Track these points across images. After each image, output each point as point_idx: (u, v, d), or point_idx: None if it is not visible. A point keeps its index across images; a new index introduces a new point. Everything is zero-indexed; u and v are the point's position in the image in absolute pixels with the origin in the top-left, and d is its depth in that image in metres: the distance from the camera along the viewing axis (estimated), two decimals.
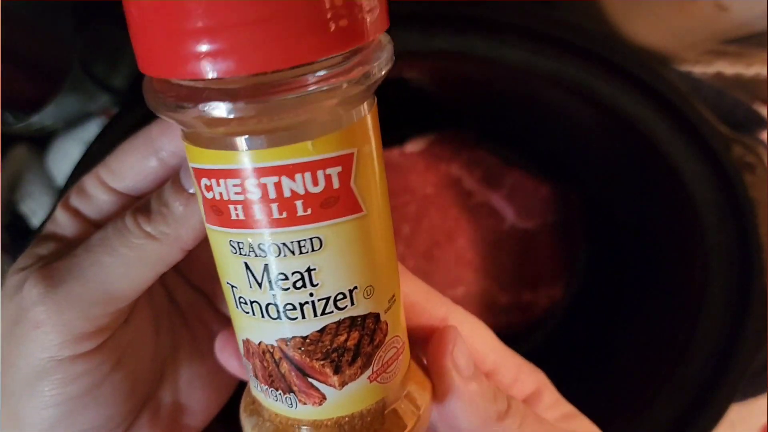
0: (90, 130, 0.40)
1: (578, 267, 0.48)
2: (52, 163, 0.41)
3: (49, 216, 0.25)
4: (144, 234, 0.22)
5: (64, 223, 0.24)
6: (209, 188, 0.19)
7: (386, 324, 0.21)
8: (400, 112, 0.47)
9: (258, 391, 0.22)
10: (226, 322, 0.29)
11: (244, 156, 0.18)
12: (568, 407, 0.28)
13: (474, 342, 0.26)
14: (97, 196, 0.24)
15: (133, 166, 0.23)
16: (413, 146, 0.45)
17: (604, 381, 0.42)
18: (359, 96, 0.18)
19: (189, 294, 0.29)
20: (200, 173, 0.19)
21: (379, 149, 0.19)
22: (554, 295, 0.47)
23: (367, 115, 0.19)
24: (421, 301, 0.25)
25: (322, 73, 0.17)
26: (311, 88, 0.16)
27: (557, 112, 0.42)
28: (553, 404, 0.28)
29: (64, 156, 0.40)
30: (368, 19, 0.17)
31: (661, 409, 0.37)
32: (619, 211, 0.46)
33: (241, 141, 0.18)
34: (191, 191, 0.22)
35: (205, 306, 0.29)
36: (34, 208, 0.40)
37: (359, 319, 0.20)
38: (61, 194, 0.34)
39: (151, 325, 0.26)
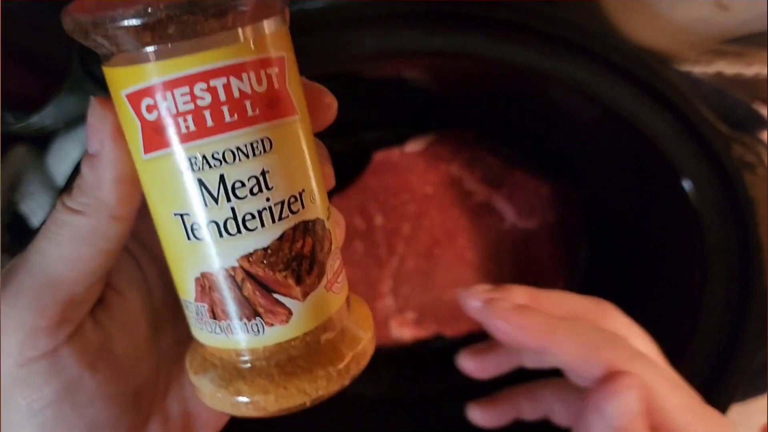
0: None
1: (578, 266, 0.48)
2: (52, 164, 0.41)
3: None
4: (67, 209, 0.21)
5: None
6: (152, 108, 0.19)
7: (330, 232, 0.22)
8: (400, 112, 0.47)
9: (215, 333, 0.21)
10: None
11: (191, 60, 0.18)
12: None
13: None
14: None
15: None
16: (413, 146, 0.45)
17: None
18: (272, 4, 0.20)
19: None
20: (139, 95, 0.19)
21: (296, 64, 0.21)
22: None
23: (285, 25, 0.20)
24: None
25: None
26: None
27: (557, 111, 0.42)
28: None
29: (65, 156, 0.40)
30: None
31: None
32: (619, 211, 0.46)
33: (186, 45, 0.18)
34: (91, 151, 0.21)
35: None
36: (34, 208, 0.40)
37: (310, 223, 0.21)
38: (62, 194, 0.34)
39: (147, 332, 0.25)
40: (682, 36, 0.36)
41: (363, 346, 0.23)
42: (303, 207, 0.21)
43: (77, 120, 0.40)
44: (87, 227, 0.21)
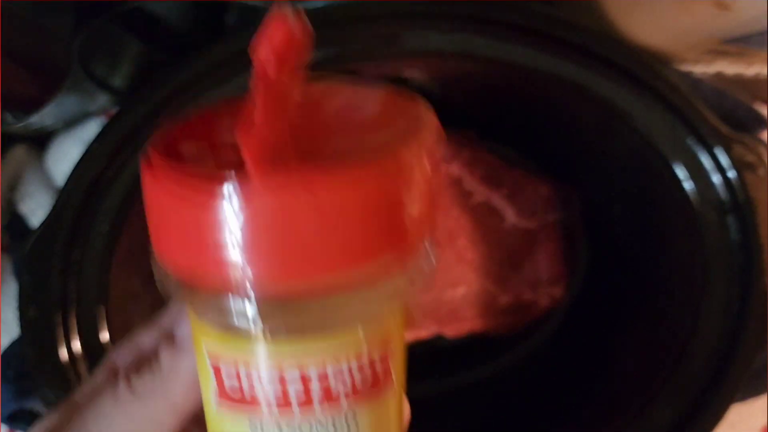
0: (89, 130, 0.40)
1: (579, 267, 0.48)
2: (52, 163, 0.41)
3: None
4: (129, 391, 0.20)
5: None
6: (231, 376, 0.18)
7: None
8: None
9: None
10: None
11: (289, 347, 0.17)
12: None
13: None
14: None
15: None
16: None
17: (604, 381, 0.42)
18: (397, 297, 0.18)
19: None
20: (219, 359, 0.18)
21: (403, 338, 0.20)
22: (555, 295, 0.47)
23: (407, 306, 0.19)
24: None
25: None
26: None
27: (557, 111, 0.42)
28: None
29: (64, 156, 0.40)
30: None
31: (661, 410, 0.37)
32: (620, 211, 0.46)
33: (286, 335, 0.17)
34: (179, 334, 0.20)
35: None
36: (34, 208, 0.40)
37: None
38: (61, 194, 0.34)
39: None
40: (683, 36, 0.36)
41: None
42: None
43: (77, 120, 0.40)
44: (141, 413, 0.20)
